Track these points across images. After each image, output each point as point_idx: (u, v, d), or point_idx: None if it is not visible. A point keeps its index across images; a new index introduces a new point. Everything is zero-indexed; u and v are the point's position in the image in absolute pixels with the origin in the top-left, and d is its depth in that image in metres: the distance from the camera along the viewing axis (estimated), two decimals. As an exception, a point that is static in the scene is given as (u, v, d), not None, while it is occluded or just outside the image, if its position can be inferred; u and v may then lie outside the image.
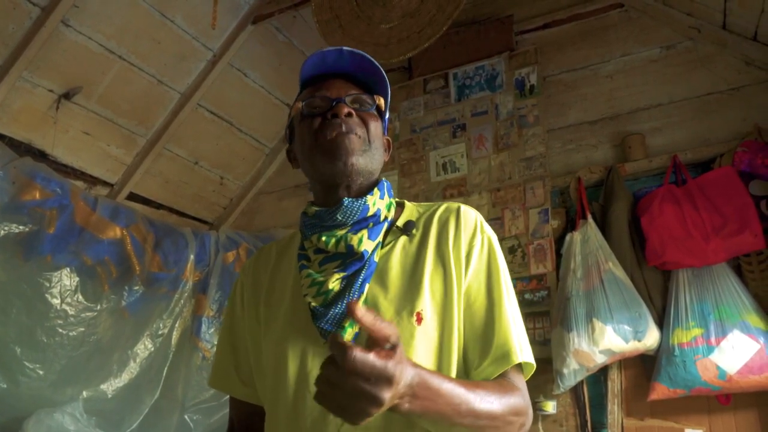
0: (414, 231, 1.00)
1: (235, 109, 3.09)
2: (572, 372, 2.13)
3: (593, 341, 2.08)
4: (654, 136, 2.43)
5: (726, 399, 2.07)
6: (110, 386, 2.42)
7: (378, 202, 0.98)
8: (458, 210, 1.01)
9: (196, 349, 2.68)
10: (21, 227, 2.23)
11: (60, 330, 2.26)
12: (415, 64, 2.94)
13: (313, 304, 0.92)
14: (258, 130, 3.27)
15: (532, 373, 0.96)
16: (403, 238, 1.00)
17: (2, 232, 2.19)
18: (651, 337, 2.08)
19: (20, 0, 2.25)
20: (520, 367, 0.93)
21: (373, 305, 0.92)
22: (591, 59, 2.63)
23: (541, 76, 2.68)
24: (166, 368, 2.58)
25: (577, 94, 2.63)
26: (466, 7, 2.41)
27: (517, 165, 2.63)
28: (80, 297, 2.33)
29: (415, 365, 0.73)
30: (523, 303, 2.41)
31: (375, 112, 1.03)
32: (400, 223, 1.02)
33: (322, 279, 0.94)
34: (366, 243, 0.94)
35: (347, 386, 0.64)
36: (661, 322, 2.13)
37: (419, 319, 0.90)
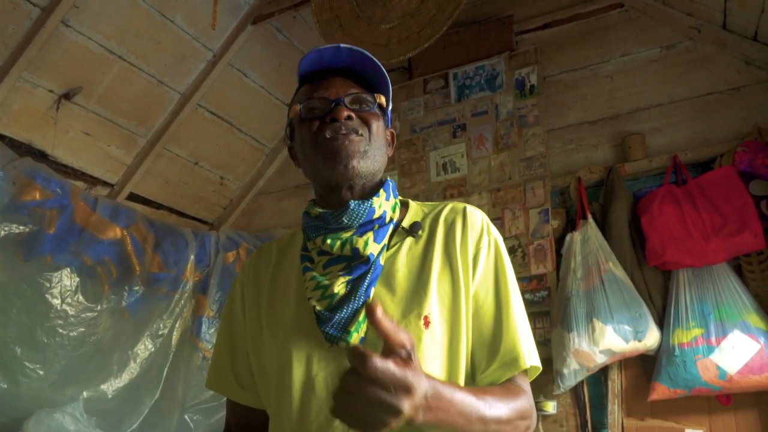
0: (420, 232, 0.98)
1: (235, 109, 3.09)
2: (572, 372, 2.13)
3: (593, 341, 2.08)
4: (654, 136, 2.43)
5: (726, 399, 2.07)
6: (110, 386, 2.41)
7: (384, 204, 0.96)
8: (464, 210, 1.00)
9: (197, 349, 2.68)
10: (21, 227, 2.23)
11: (60, 330, 2.26)
12: (415, 64, 2.93)
13: (318, 307, 0.90)
14: (258, 131, 3.26)
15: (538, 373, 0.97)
16: (408, 240, 0.98)
17: (2, 232, 2.18)
18: (651, 337, 2.08)
19: (20, 0, 2.25)
20: (526, 369, 0.93)
21: None
22: (591, 59, 2.63)
23: (541, 76, 2.68)
24: (166, 368, 2.58)
25: (577, 94, 2.63)
26: (466, 7, 2.40)
27: (517, 165, 2.63)
28: (80, 297, 2.32)
29: (428, 376, 0.71)
30: (524, 303, 2.39)
31: (377, 111, 0.99)
32: (405, 224, 1.00)
33: (327, 282, 0.91)
34: (372, 246, 0.92)
35: (367, 395, 0.63)
36: (662, 322, 2.13)
37: (426, 323, 0.89)
